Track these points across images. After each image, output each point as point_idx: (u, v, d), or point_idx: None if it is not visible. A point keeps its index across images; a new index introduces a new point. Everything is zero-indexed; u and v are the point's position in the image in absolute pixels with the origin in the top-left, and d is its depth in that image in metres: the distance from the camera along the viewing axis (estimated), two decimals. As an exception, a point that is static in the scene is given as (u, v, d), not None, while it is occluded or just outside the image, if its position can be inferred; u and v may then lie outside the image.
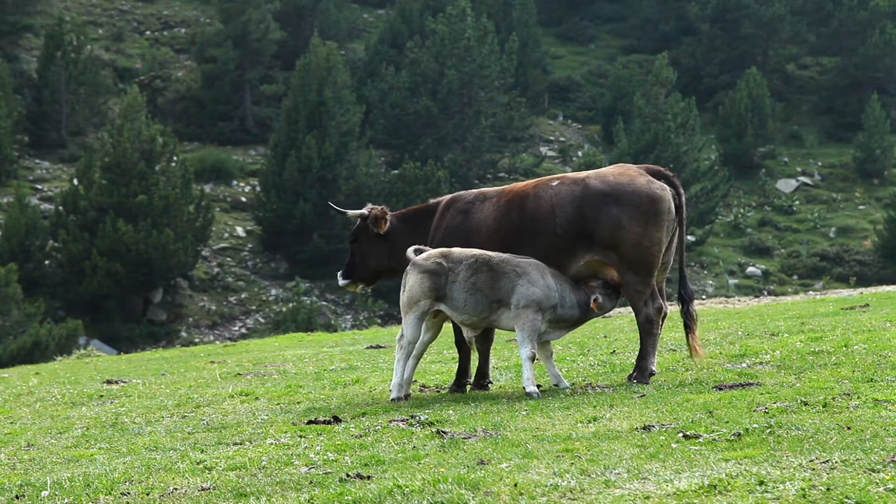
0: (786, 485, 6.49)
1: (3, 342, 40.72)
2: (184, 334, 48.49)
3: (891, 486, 6.35)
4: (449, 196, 11.89)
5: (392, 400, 10.99)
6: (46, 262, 48.62)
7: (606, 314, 12.04)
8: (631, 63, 73.09)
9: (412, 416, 9.63)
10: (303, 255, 53.49)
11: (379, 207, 12.01)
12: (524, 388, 10.73)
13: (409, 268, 10.99)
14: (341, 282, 12.20)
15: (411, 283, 10.89)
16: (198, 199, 51.59)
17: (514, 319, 10.65)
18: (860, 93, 67.58)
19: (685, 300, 11.36)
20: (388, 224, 11.91)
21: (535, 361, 10.82)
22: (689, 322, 11.32)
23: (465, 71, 60.53)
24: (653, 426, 8.46)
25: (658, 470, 7.08)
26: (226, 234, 56.04)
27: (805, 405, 8.85)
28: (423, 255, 11.02)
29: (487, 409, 9.93)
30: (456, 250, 10.95)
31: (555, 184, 11.16)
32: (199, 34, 66.75)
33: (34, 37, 66.99)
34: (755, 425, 8.14)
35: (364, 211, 12.04)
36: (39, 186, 56.39)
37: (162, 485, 7.86)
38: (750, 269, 56.85)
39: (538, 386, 10.98)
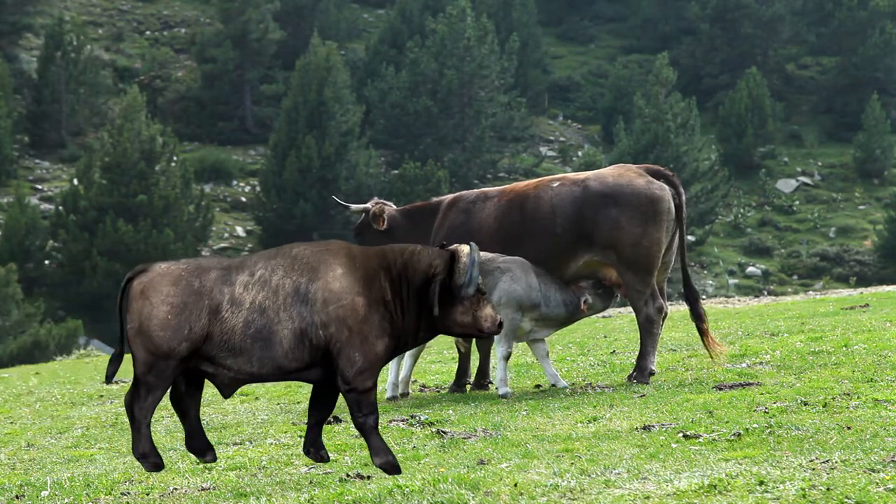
0: (786, 485, 6.48)
1: (3, 342, 40.69)
2: (184, 334, 48.48)
3: (891, 486, 6.34)
4: (452, 195, 11.97)
5: (388, 399, 11.02)
6: (46, 262, 48.59)
7: (604, 314, 12.02)
8: (631, 63, 73.06)
9: (412, 416, 9.63)
10: (303, 256, 53.49)
11: (380, 203, 12.07)
12: (496, 389, 10.71)
13: None
14: None
15: None
16: (198, 199, 51.58)
17: None
18: (860, 93, 67.51)
19: (691, 300, 11.33)
20: (385, 223, 11.98)
21: (536, 362, 10.82)
22: (699, 324, 11.28)
23: (465, 71, 60.52)
24: (653, 426, 8.45)
25: (658, 470, 7.07)
26: (226, 234, 56.05)
27: (805, 405, 8.84)
28: None
29: (487, 409, 9.92)
30: None
31: (555, 184, 11.19)
32: (199, 34, 66.73)
33: (34, 37, 66.97)
34: (755, 425, 8.13)
35: (368, 205, 12.12)
36: (39, 186, 56.39)
37: (162, 485, 7.86)
38: (750, 269, 56.82)
39: (538, 386, 10.98)
